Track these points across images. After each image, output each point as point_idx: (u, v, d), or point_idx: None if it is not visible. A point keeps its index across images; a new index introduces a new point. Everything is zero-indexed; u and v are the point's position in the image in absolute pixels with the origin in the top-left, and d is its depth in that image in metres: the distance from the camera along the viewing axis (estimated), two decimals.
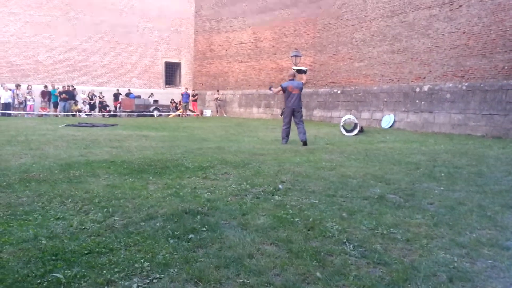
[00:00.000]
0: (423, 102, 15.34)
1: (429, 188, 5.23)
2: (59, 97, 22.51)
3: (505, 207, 4.32)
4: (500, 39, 13.03)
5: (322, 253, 3.01)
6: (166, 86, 28.16)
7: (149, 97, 25.65)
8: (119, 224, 3.60)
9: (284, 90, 9.81)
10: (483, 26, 13.53)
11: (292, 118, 9.86)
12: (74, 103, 23.21)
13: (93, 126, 14.79)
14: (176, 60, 28.29)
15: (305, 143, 9.48)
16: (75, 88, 23.94)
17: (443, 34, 14.93)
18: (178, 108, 26.04)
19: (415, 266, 2.81)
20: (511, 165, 6.98)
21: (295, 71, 10.35)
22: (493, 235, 3.47)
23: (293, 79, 9.87)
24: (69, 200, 4.35)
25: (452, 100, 14.24)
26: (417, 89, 15.68)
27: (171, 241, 3.20)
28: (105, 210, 3.99)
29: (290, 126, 9.96)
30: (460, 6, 14.32)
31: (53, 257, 2.85)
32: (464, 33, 14.17)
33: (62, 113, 22.45)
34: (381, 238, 3.36)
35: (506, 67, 12.85)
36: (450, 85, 14.46)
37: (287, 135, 9.97)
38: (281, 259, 2.90)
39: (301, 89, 9.87)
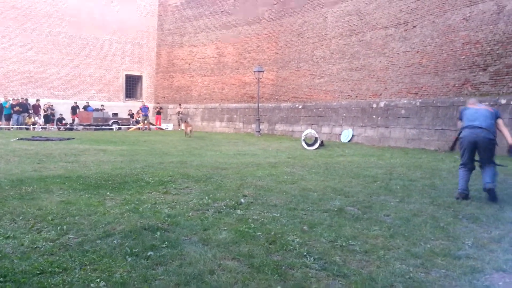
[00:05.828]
0: (379, 118, 15.89)
1: (385, 200, 5.39)
2: (12, 110, 21.52)
3: (457, 219, 4.52)
4: (451, 58, 13.80)
5: (283, 267, 3.03)
6: (127, 99, 27.60)
7: (100, 110, 24.94)
8: (74, 242, 3.46)
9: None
10: (436, 46, 14.29)
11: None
12: (28, 116, 22.26)
13: (47, 139, 14.20)
14: (137, 73, 27.83)
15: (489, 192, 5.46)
16: (38, 100, 23.21)
17: (398, 53, 15.63)
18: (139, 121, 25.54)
19: (373, 277, 2.87)
20: None
21: None
22: (446, 245, 3.62)
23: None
24: (20, 217, 4.13)
25: (407, 115, 14.86)
26: (374, 105, 16.24)
27: (129, 259, 3.11)
28: (58, 227, 3.82)
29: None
30: (414, 26, 15.08)
31: (2, 279, 2.70)
32: (418, 52, 14.89)
33: (15, 126, 21.44)
34: (340, 251, 3.42)
35: (456, 85, 13.59)
36: (405, 101, 15.09)
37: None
38: (243, 274, 2.88)
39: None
